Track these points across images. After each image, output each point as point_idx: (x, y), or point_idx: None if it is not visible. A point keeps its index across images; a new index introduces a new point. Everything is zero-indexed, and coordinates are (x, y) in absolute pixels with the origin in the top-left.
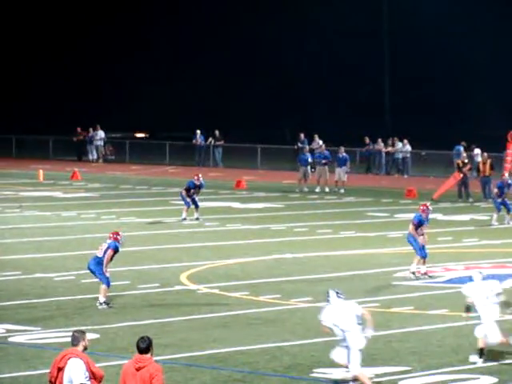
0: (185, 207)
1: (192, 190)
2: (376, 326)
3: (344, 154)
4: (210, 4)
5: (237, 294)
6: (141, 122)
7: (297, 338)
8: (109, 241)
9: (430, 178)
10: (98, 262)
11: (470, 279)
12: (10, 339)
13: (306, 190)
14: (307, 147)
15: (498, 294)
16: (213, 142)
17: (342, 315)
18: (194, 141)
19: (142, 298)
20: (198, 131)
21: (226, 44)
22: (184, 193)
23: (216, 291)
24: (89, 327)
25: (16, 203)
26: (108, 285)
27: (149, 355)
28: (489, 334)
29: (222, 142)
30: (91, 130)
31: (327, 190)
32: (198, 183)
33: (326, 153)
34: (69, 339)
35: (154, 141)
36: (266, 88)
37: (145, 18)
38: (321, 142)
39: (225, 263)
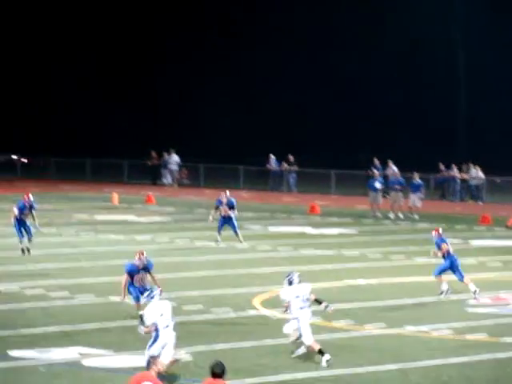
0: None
1: (220, 208)
2: (449, 353)
3: (418, 180)
4: (287, 33)
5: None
6: (216, 147)
7: (370, 363)
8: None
9: (504, 205)
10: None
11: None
12: (84, 362)
13: (379, 215)
14: (377, 172)
15: (308, 299)
16: (287, 166)
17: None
18: (267, 165)
19: (214, 323)
20: (272, 156)
21: (300, 70)
22: (212, 212)
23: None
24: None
25: (91, 226)
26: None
27: (222, 380)
28: (303, 335)
29: (295, 167)
30: (166, 154)
31: (401, 215)
32: (225, 200)
33: (401, 179)
34: (141, 363)
35: (228, 165)
36: (341, 113)
37: (222, 45)
38: (395, 168)
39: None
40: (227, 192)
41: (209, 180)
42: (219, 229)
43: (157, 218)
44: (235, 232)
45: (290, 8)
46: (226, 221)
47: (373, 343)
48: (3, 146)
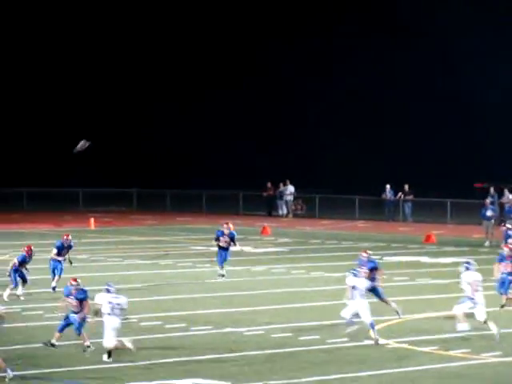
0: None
1: (221, 239)
2: None
3: None
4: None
5: (426, 349)
6: (331, 177)
7: None
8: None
9: None
10: None
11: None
12: None
13: (494, 244)
14: (488, 201)
15: (122, 309)
16: (402, 196)
17: None
18: (383, 195)
19: (330, 353)
20: (388, 186)
21: (421, 95)
22: (214, 243)
23: (405, 345)
24: (279, 382)
25: (207, 258)
26: None
27: None
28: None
29: (411, 197)
30: (281, 185)
31: None
32: (227, 232)
33: None
34: None
35: (343, 196)
36: (456, 141)
37: (339, 73)
38: (511, 196)
39: (414, 317)
40: (230, 224)
41: (324, 210)
42: (221, 262)
43: (272, 249)
44: (222, 262)
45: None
46: (223, 252)
47: (490, 372)
48: (118, 180)
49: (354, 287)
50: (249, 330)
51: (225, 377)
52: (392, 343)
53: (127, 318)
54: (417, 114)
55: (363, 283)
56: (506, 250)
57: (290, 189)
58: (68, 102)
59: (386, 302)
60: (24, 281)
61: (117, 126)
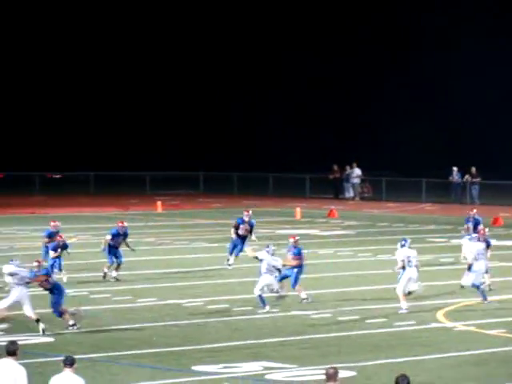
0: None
1: (241, 226)
2: None
3: None
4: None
5: (494, 332)
6: (398, 159)
7: None
8: None
9: None
10: None
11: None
12: (267, 376)
13: None
14: None
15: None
16: (469, 179)
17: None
18: (450, 178)
19: (397, 336)
20: (455, 168)
21: (485, 79)
22: (232, 231)
23: (472, 328)
24: (345, 365)
25: (273, 241)
26: None
27: None
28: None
29: (478, 179)
30: (348, 167)
31: None
32: (247, 219)
33: None
34: (323, 377)
35: (410, 178)
36: None
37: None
38: None
39: (481, 300)
40: (250, 211)
41: (391, 193)
42: (235, 251)
43: (339, 232)
44: (238, 252)
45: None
46: (239, 241)
47: None
48: (184, 163)
49: None
50: (316, 313)
51: (291, 360)
52: (459, 326)
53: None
54: (482, 97)
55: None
56: None
57: (357, 171)
58: (133, 86)
59: None
60: (118, 260)
61: (184, 110)
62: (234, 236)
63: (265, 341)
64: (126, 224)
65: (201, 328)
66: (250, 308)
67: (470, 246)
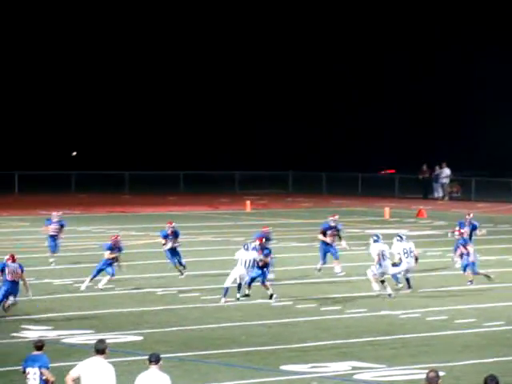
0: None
1: (328, 233)
2: None
3: None
4: None
5: None
6: (487, 159)
7: None
8: None
9: None
10: None
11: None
12: (356, 377)
13: None
14: None
15: None
16: None
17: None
18: None
19: (486, 336)
20: None
21: None
22: (320, 236)
23: None
24: (434, 365)
25: (362, 241)
26: None
27: None
28: None
29: None
30: (437, 167)
31: None
32: (333, 224)
33: None
34: (417, 376)
35: (500, 179)
36: None
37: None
38: None
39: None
40: (336, 216)
41: (480, 193)
42: (324, 256)
43: (428, 232)
44: (335, 256)
45: None
46: (327, 247)
47: None
48: (273, 163)
49: None
50: (404, 313)
51: (380, 359)
52: None
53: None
54: None
55: None
56: None
57: (446, 171)
58: (225, 88)
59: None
60: (179, 262)
61: (273, 110)
62: (323, 240)
63: (353, 340)
64: (173, 224)
65: (289, 327)
66: (338, 307)
67: (398, 246)
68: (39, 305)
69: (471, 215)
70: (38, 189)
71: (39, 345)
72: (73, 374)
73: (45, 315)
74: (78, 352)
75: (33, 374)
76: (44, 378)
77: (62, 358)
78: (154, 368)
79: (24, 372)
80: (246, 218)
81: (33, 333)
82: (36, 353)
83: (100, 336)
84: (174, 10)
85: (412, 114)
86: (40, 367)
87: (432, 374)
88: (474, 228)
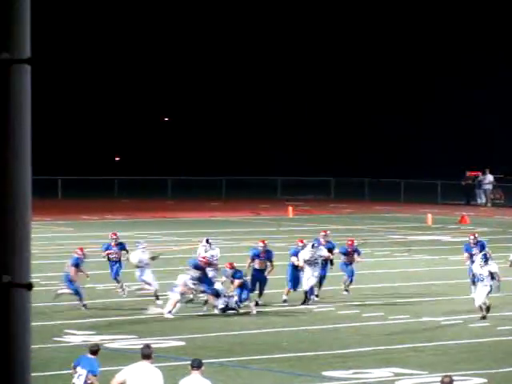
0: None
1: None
2: None
3: None
4: None
5: None
6: None
7: None
8: None
9: None
10: None
11: None
12: (397, 383)
13: None
14: None
15: None
16: None
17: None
18: None
19: None
20: None
21: None
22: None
23: None
24: (475, 372)
25: (404, 247)
26: None
27: None
28: None
29: None
30: (480, 173)
31: None
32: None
33: None
34: None
35: None
36: None
37: None
38: None
39: None
40: (328, 232)
41: None
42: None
43: None
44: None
45: None
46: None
47: None
48: (315, 168)
49: None
50: (446, 320)
51: (422, 366)
52: None
53: None
54: None
55: None
56: None
57: (489, 178)
58: (269, 94)
59: None
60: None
61: (316, 117)
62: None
63: (395, 347)
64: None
65: (331, 333)
66: (380, 314)
67: (304, 253)
68: (82, 309)
69: (476, 235)
70: (81, 194)
71: (94, 349)
72: (119, 378)
73: (88, 320)
74: (121, 357)
75: (80, 375)
76: (89, 382)
77: (105, 362)
78: (195, 373)
79: (74, 368)
80: (288, 224)
81: (75, 337)
82: (91, 356)
83: (143, 341)
84: (177, 16)
85: (452, 121)
86: (88, 372)
87: (447, 380)
88: (483, 247)
